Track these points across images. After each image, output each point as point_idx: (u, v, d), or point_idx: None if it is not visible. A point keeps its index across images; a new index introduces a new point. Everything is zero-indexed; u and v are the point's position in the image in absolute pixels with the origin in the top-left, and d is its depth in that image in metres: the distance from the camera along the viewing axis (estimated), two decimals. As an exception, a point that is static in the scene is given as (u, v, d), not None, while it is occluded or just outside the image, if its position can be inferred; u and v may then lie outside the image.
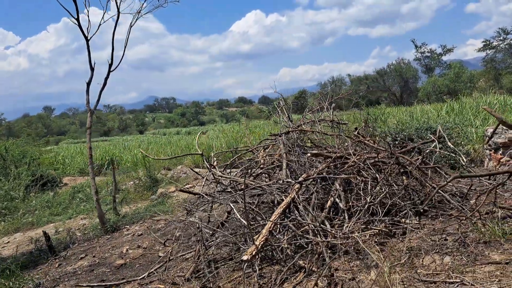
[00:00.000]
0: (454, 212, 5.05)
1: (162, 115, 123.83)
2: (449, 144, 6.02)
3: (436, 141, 5.85)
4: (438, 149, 5.70)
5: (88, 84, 8.15)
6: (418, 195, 5.44)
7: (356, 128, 6.16)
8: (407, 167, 5.45)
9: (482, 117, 13.11)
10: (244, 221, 3.93)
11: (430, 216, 5.23)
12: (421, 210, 5.22)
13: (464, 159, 5.91)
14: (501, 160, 7.65)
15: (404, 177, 5.56)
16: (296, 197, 4.24)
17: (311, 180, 4.66)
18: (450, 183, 5.27)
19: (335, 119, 6.43)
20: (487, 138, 8.04)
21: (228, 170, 6.36)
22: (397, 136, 8.38)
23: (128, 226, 7.72)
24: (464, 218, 4.63)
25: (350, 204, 4.69)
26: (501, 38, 52.61)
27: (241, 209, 4.60)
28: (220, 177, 5.10)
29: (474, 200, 5.18)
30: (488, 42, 52.84)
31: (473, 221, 4.45)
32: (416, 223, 4.93)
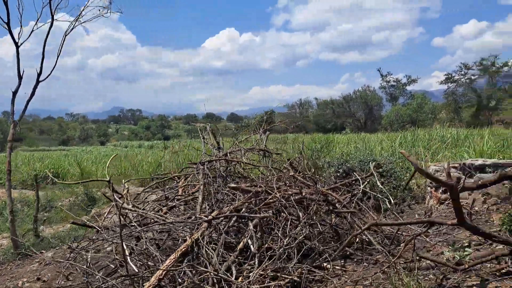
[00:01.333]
0: (380, 257, 4.75)
1: (127, 127, 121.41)
2: (378, 183, 5.74)
3: (361, 180, 5.57)
4: (361, 187, 5.39)
5: (14, 93, 7.53)
6: (347, 236, 5.11)
7: (289, 159, 5.82)
8: (336, 205, 5.12)
9: (433, 150, 13.13)
10: (133, 266, 3.45)
11: (355, 259, 4.90)
12: (348, 253, 4.90)
13: (392, 201, 5.64)
14: (440, 199, 7.47)
15: (333, 216, 5.22)
16: (200, 238, 3.79)
17: (222, 218, 4.23)
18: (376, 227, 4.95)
19: (266, 149, 6.06)
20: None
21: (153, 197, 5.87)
22: (339, 168, 8.11)
23: (44, 251, 7.05)
24: (387, 265, 4.33)
25: (267, 246, 4.29)
26: (462, 72, 54.55)
27: (143, 247, 4.11)
28: (125, 209, 4.60)
29: (402, 245, 4.90)
30: (450, 76, 54.68)
31: (395, 269, 4.15)
32: (339, 268, 4.58)
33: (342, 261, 4.83)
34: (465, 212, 6.28)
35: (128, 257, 3.61)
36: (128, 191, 5.32)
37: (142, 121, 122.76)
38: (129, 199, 5.10)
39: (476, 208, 6.93)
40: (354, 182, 5.80)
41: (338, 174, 7.93)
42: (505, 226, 5.28)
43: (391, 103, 54.77)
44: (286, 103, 65.86)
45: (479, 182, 5.39)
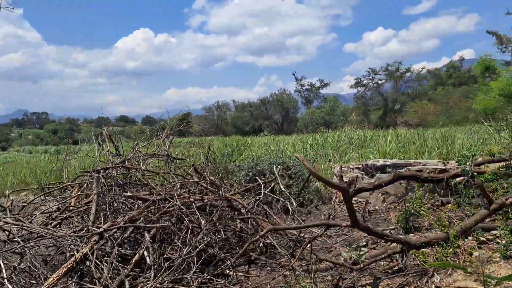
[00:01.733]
0: (283, 260, 4.76)
1: (31, 131, 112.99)
2: (281, 186, 5.79)
3: (264, 183, 5.59)
4: (264, 191, 5.39)
5: None
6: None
7: (193, 165, 5.65)
8: (241, 210, 5.05)
9: (341, 152, 13.68)
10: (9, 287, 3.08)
11: (260, 264, 4.87)
12: (252, 258, 4.85)
13: (294, 203, 5.72)
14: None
15: (238, 222, 5.15)
16: (89, 252, 3.51)
17: (116, 229, 3.97)
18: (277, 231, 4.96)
19: (168, 154, 5.83)
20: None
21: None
22: (249, 171, 8.10)
23: None
24: (290, 268, 4.33)
25: (165, 257, 4.09)
26: (370, 77, 58.13)
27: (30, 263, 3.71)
28: (7, 224, 4.15)
29: (304, 247, 4.96)
30: (359, 80, 57.97)
31: (296, 273, 4.18)
32: (242, 274, 4.52)
33: (247, 266, 4.78)
34: (366, 211, 6.55)
35: (6, 278, 3.22)
36: (12, 203, 4.82)
37: (48, 124, 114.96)
38: (15, 212, 4.61)
39: (377, 207, 7.29)
40: (259, 186, 5.78)
41: (248, 178, 7.91)
42: (399, 224, 5.58)
43: (306, 106, 56.80)
44: (204, 105, 65.60)
45: (375, 182, 5.67)
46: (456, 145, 13.27)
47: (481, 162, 6.09)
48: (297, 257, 4.03)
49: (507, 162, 5.67)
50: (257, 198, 5.44)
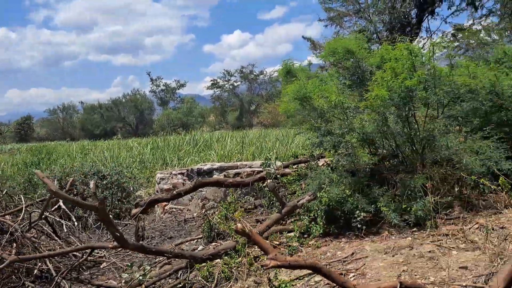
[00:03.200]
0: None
1: None
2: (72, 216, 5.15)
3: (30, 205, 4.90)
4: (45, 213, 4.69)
5: None
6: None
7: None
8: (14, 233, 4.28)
9: (181, 155, 13.34)
10: None
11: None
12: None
13: (75, 221, 5.13)
14: (165, 208, 7.37)
15: (14, 245, 4.36)
16: None
17: None
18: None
19: None
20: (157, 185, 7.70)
21: None
22: (61, 182, 7.21)
23: None
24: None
25: None
26: (226, 79, 59.33)
27: None
28: None
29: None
30: (215, 81, 58.73)
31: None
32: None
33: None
34: (143, 226, 6.04)
35: None
36: None
37: None
38: None
39: (195, 214, 7.04)
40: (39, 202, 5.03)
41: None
42: (205, 233, 5.35)
43: (162, 107, 55.60)
44: (49, 107, 59.59)
45: (174, 192, 5.36)
46: (292, 146, 13.92)
47: (287, 163, 6.23)
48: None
49: (307, 163, 5.87)
50: (44, 216, 4.70)
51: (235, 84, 59.66)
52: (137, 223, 5.25)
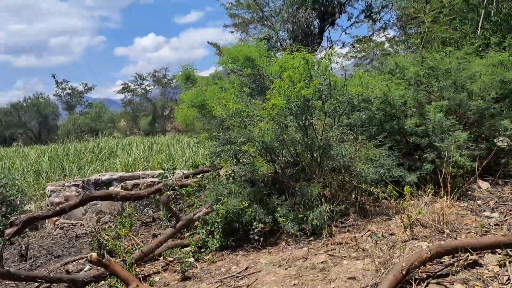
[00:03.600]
0: None
1: None
2: None
3: None
4: None
5: None
6: None
7: None
8: None
9: (81, 164, 12.48)
10: None
11: None
12: None
13: None
14: (56, 223, 6.75)
15: None
16: None
17: None
18: None
19: None
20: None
21: None
22: None
23: None
24: None
25: None
26: (138, 83, 57.40)
27: None
28: None
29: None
30: (126, 85, 56.54)
31: None
32: None
33: None
34: (74, 235, 5.44)
35: None
36: None
37: None
38: None
39: (89, 229, 6.51)
40: None
41: None
42: (94, 250, 4.92)
43: (68, 112, 52.32)
44: None
45: (56, 208, 4.88)
46: (205, 153, 13.63)
47: (187, 173, 5.99)
48: None
49: (207, 173, 5.67)
50: None
51: (148, 88, 57.95)
52: (24, 240, 4.69)
